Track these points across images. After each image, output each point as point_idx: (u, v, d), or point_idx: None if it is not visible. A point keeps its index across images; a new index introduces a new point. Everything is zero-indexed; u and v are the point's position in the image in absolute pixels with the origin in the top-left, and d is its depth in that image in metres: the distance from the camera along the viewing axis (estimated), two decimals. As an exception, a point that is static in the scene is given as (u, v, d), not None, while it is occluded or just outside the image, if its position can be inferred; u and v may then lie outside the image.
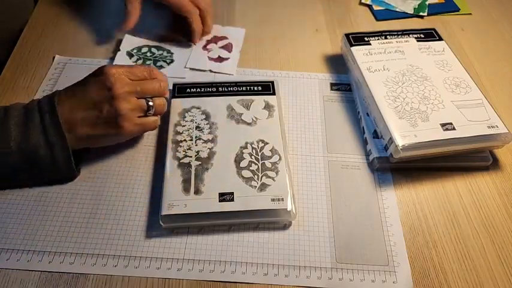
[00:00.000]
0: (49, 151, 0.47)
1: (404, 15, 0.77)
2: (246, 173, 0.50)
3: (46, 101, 0.48)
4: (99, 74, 0.49)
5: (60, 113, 0.47)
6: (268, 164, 0.51)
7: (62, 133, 0.47)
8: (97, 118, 0.48)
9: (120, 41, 0.67)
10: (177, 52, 0.67)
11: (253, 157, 0.52)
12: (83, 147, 0.51)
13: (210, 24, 0.69)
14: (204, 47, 0.68)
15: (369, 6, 0.78)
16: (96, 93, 0.48)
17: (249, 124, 0.55)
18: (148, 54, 0.66)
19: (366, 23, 0.75)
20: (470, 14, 0.78)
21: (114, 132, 0.49)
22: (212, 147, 0.53)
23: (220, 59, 0.67)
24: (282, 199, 0.48)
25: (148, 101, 0.50)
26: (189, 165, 0.51)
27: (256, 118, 0.56)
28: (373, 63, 0.61)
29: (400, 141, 0.51)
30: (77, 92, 0.49)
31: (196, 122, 0.55)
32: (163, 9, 0.69)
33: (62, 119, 0.47)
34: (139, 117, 0.50)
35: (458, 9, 0.78)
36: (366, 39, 0.65)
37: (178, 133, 0.54)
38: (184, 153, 0.52)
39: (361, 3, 0.79)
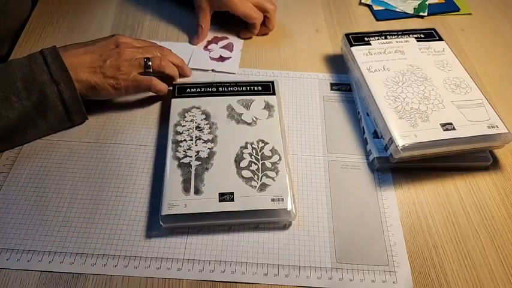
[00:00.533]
0: (55, 87, 0.50)
1: (404, 15, 0.77)
2: (246, 173, 0.50)
3: (48, 48, 0.53)
4: (110, 36, 0.58)
5: (63, 56, 0.51)
6: (268, 164, 0.51)
7: (66, 69, 0.51)
8: (99, 67, 0.53)
9: (120, 41, 0.68)
10: (178, 52, 0.67)
11: (253, 157, 0.52)
12: (82, 93, 0.53)
13: (274, 24, 0.70)
14: (205, 48, 0.68)
15: (369, 6, 0.78)
16: (105, 46, 0.55)
17: (249, 124, 0.55)
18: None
19: (366, 23, 0.75)
20: (470, 14, 0.78)
21: (111, 84, 0.54)
22: (212, 147, 0.53)
23: (221, 59, 0.67)
24: (282, 199, 0.48)
25: (148, 60, 0.56)
26: (189, 165, 0.51)
27: (256, 118, 0.56)
28: (373, 63, 0.61)
29: (400, 141, 0.51)
30: (86, 43, 0.56)
31: (196, 122, 0.55)
32: (169, 7, 0.69)
33: (64, 60, 0.51)
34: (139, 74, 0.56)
35: (458, 9, 0.78)
36: (366, 39, 0.65)
37: (178, 133, 0.54)
38: (184, 153, 0.52)
39: (361, 3, 0.79)
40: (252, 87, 0.60)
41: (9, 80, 0.49)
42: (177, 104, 0.57)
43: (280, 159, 0.52)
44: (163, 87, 0.58)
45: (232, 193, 0.49)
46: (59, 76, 0.50)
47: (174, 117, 0.56)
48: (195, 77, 0.64)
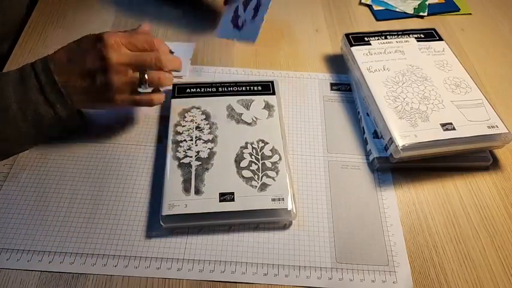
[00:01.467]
0: (50, 109, 0.48)
1: (404, 15, 0.77)
2: (246, 173, 0.50)
3: (39, 62, 0.49)
4: (98, 40, 0.48)
5: (55, 74, 0.48)
6: (268, 163, 0.51)
7: (60, 90, 0.48)
8: (90, 87, 0.48)
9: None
10: (178, 51, 0.67)
11: (253, 157, 0.52)
12: (78, 108, 0.52)
13: None
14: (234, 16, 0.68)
15: (369, 6, 0.78)
16: (91, 61, 0.48)
17: (249, 124, 0.55)
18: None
19: (366, 23, 0.75)
20: (470, 14, 0.78)
21: (106, 103, 0.51)
22: (212, 147, 0.53)
23: (241, 25, 0.67)
24: (282, 199, 0.48)
25: (144, 74, 0.50)
26: (189, 165, 0.51)
27: (256, 118, 0.56)
28: (373, 63, 0.61)
29: (400, 141, 0.51)
30: (72, 57, 0.49)
31: (196, 122, 0.55)
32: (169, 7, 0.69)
33: (57, 79, 0.48)
34: (135, 90, 0.50)
35: (458, 9, 0.78)
36: (366, 39, 0.65)
37: (178, 133, 0.54)
38: (184, 153, 0.52)
39: (361, 3, 0.79)
40: (252, 87, 0.60)
41: (4, 101, 0.47)
42: (177, 104, 0.57)
43: (280, 159, 0.52)
44: (161, 97, 0.54)
45: (232, 193, 0.49)
46: (54, 98, 0.48)
47: (174, 117, 0.56)
48: (195, 77, 0.64)
